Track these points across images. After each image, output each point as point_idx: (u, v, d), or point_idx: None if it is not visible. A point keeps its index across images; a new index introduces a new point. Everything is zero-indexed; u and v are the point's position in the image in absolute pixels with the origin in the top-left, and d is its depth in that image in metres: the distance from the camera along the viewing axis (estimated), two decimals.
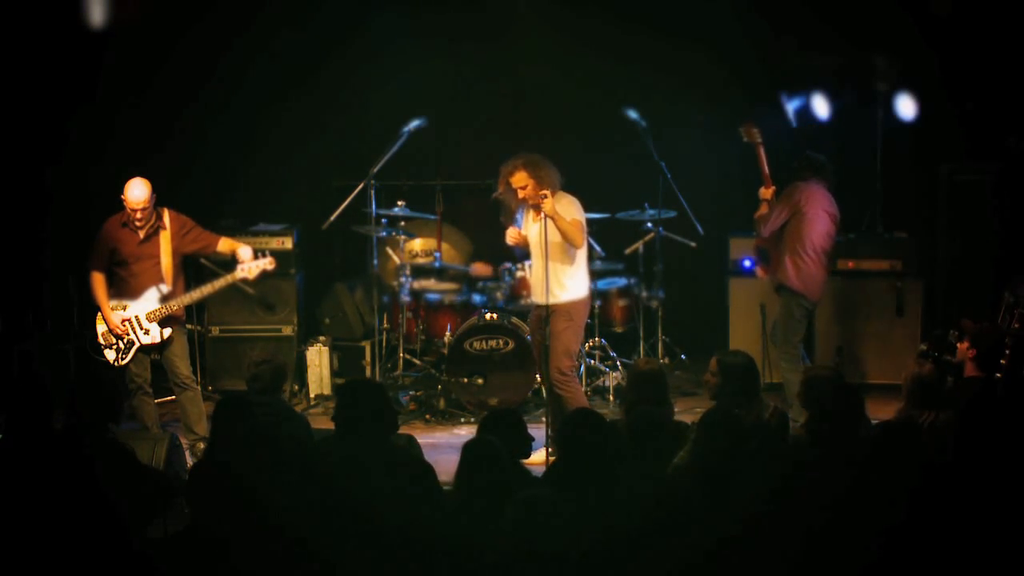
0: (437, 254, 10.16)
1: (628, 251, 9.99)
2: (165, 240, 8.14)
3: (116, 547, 4.97)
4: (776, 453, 5.57)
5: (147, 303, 8.14)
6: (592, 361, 9.88)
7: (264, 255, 8.30)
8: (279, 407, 6.88)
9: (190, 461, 7.52)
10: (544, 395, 8.33)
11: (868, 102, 10.18)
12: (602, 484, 5.11)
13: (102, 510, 5.13)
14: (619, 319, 10.03)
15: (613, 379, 9.67)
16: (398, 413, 6.04)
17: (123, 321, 8.12)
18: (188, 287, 8.37)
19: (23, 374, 8.90)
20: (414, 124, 9.43)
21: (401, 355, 9.90)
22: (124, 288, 8.16)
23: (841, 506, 4.88)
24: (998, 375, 6.66)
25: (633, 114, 9.30)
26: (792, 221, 8.57)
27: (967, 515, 4.78)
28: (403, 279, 9.70)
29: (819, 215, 8.57)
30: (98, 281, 8.15)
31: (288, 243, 10.02)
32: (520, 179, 7.91)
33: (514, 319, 9.40)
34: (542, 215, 7.75)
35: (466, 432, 8.78)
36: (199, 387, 8.62)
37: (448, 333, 9.61)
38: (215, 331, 10.04)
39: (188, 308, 8.93)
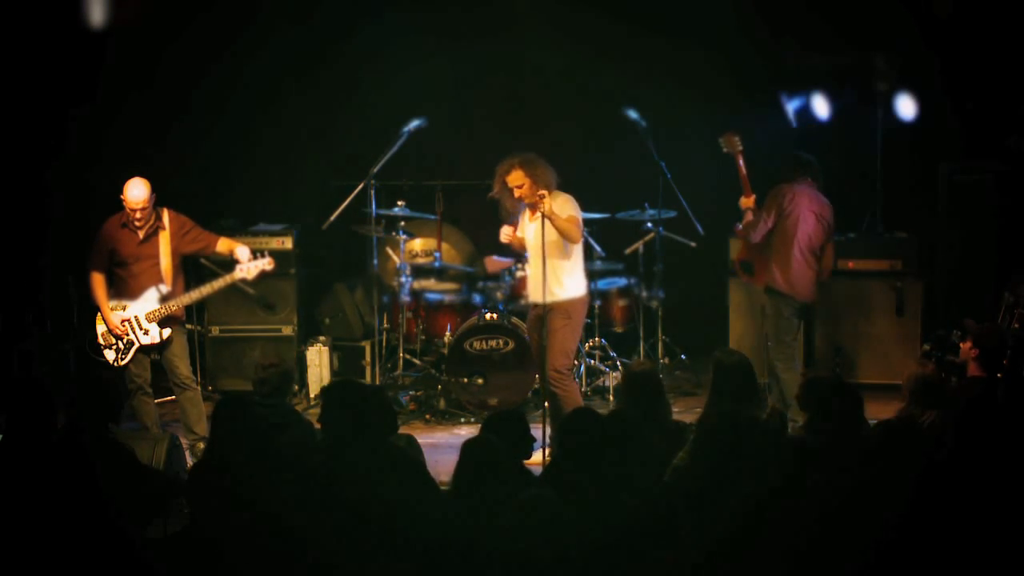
0: (437, 254, 10.16)
1: (628, 251, 9.98)
2: (164, 240, 8.14)
3: (116, 547, 4.97)
4: (775, 453, 5.57)
5: (147, 303, 8.14)
6: (592, 361, 9.88)
7: (263, 255, 8.30)
8: (285, 410, 6.88)
9: (190, 461, 7.51)
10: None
11: (868, 102, 10.18)
12: (599, 484, 5.11)
13: (102, 510, 5.13)
14: (619, 319, 10.03)
15: (613, 379, 9.67)
16: (398, 413, 6.06)
17: (123, 321, 8.12)
18: (188, 287, 8.36)
19: (25, 376, 8.89)
20: (414, 124, 9.43)
21: (401, 355, 9.90)
22: (124, 288, 8.16)
23: (841, 506, 4.88)
24: (999, 375, 6.66)
25: (633, 114, 9.29)
26: (779, 222, 8.58)
27: (967, 515, 4.78)
28: (403, 279, 9.70)
29: (804, 215, 8.58)
30: (98, 281, 8.15)
31: (288, 243, 10.02)
32: (516, 178, 7.91)
33: (514, 319, 9.40)
34: (539, 214, 7.75)
35: (466, 432, 8.78)
36: (199, 387, 8.62)
37: (448, 333, 9.61)
38: (215, 331, 10.04)
39: (188, 308, 8.93)
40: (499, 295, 9.59)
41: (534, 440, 5.86)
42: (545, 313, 7.90)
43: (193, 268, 9.13)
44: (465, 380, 9.21)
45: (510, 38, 10.34)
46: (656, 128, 9.36)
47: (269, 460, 5.45)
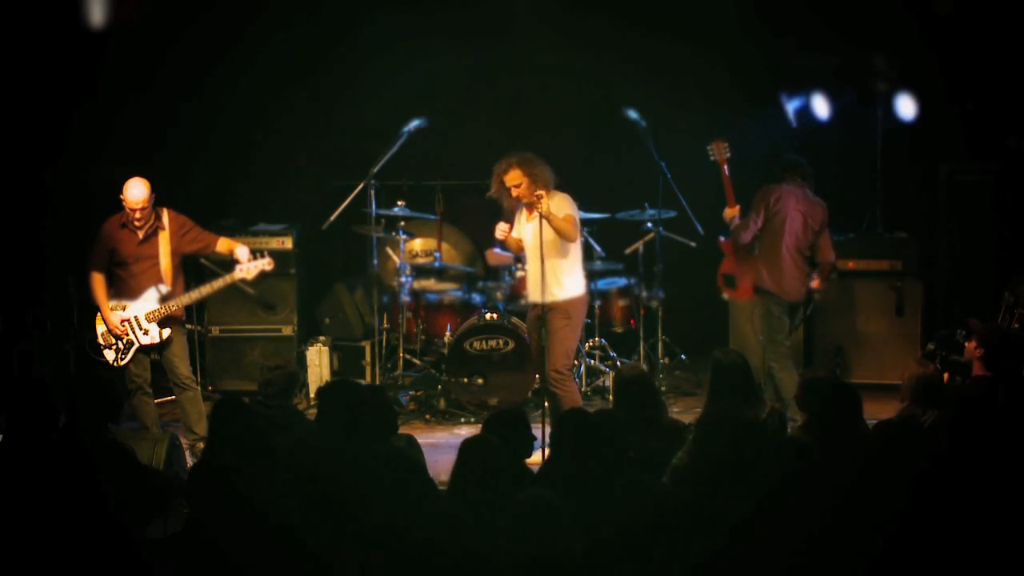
0: (437, 254, 10.16)
1: (628, 251, 9.98)
2: (164, 240, 8.14)
3: (116, 547, 4.97)
4: (775, 453, 5.57)
5: (146, 303, 8.14)
6: (592, 361, 9.88)
7: (263, 255, 8.30)
8: (288, 411, 6.88)
9: (190, 461, 7.51)
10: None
11: (868, 102, 10.18)
12: (595, 484, 5.12)
13: (102, 510, 5.13)
14: (619, 319, 10.03)
15: (612, 379, 9.66)
16: (398, 413, 6.06)
17: (122, 321, 8.12)
18: (188, 287, 8.36)
19: (25, 376, 8.89)
20: (414, 124, 9.43)
21: (401, 355, 9.90)
22: (123, 288, 8.16)
23: (842, 506, 4.88)
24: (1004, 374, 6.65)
25: (633, 114, 9.29)
26: (766, 222, 8.61)
27: (968, 514, 4.78)
28: (403, 279, 9.70)
29: (792, 215, 8.60)
30: (97, 282, 8.15)
31: (288, 243, 10.02)
32: (514, 177, 7.91)
33: (514, 319, 9.40)
34: (536, 214, 7.75)
35: (466, 432, 8.77)
36: (199, 387, 8.62)
37: (448, 333, 9.61)
38: (215, 331, 10.04)
39: (188, 308, 8.93)
40: (499, 295, 9.59)
41: (535, 439, 5.86)
42: (544, 313, 7.89)
43: (193, 268, 9.12)
44: (465, 380, 9.21)
45: (510, 38, 10.33)
46: (656, 128, 9.37)
47: (268, 460, 5.45)
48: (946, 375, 6.99)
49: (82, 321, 8.47)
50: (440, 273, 10.07)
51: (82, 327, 8.43)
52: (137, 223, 8.06)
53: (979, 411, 5.61)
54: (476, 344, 9.20)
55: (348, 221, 9.78)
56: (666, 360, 10.08)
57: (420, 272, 10.05)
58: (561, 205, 7.87)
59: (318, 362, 9.77)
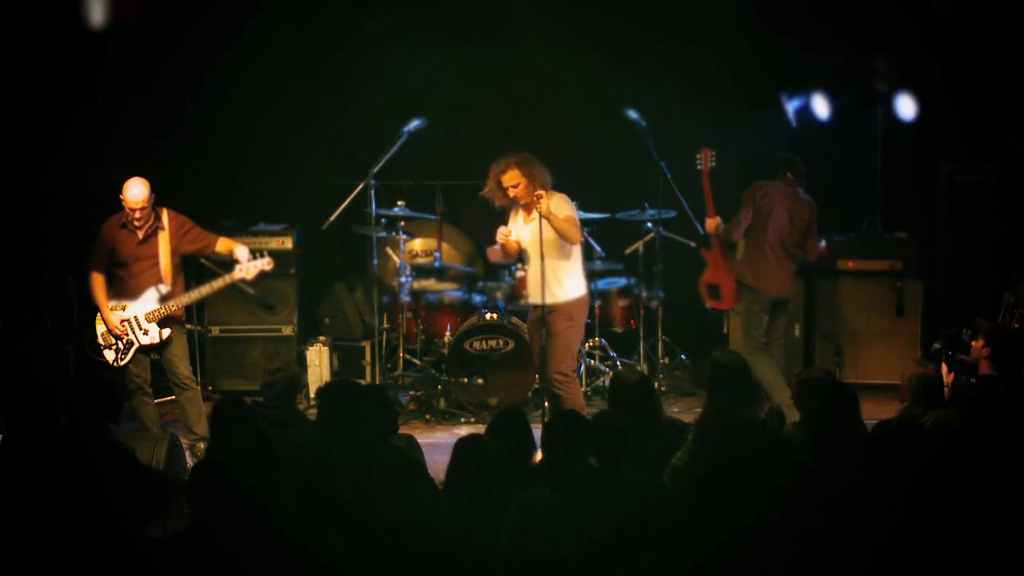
0: (437, 254, 10.16)
1: (628, 251, 9.99)
2: (164, 240, 8.14)
3: (116, 547, 4.97)
4: (774, 453, 5.57)
5: (146, 303, 8.13)
6: (592, 361, 9.88)
7: (262, 255, 8.29)
8: (289, 412, 6.87)
9: (190, 461, 7.51)
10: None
11: (868, 102, 10.18)
12: (594, 484, 5.12)
13: (102, 510, 5.12)
14: (619, 319, 10.03)
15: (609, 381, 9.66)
16: (399, 413, 6.06)
17: (122, 322, 8.12)
18: (188, 287, 8.36)
19: (26, 377, 8.89)
20: (414, 124, 9.43)
21: (401, 355, 9.90)
22: (123, 289, 8.16)
23: (842, 506, 4.88)
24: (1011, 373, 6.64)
25: (633, 114, 9.30)
26: (754, 218, 8.66)
27: (968, 514, 4.78)
28: (403, 279, 9.70)
29: (777, 212, 8.65)
30: (97, 282, 8.15)
31: (288, 243, 10.02)
32: (512, 177, 7.90)
33: (514, 319, 9.40)
34: (535, 215, 7.74)
35: (466, 432, 8.75)
36: (199, 387, 8.61)
37: (448, 333, 9.61)
38: (215, 331, 10.04)
39: (188, 308, 8.93)
40: (499, 295, 9.59)
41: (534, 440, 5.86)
42: (546, 315, 7.88)
43: (193, 268, 9.12)
44: (465, 380, 9.21)
45: (510, 38, 10.33)
46: (656, 128, 9.36)
47: (269, 460, 5.45)
48: (952, 375, 6.98)
49: (82, 321, 8.48)
50: (440, 273, 10.07)
51: (82, 327, 8.44)
52: (137, 223, 8.06)
53: (987, 410, 5.61)
54: (476, 344, 9.20)
55: (348, 221, 9.78)
56: (666, 360, 10.08)
57: (420, 272, 10.05)
58: (560, 206, 7.86)
59: (318, 362, 9.76)
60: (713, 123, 9.89)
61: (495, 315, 9.31)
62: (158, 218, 8.15)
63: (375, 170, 9.47)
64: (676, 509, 4.89)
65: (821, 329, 9.88)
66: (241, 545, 4.55)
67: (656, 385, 8.94)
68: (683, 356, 10.24)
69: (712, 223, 8.86)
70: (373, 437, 5.65)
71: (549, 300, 7.87)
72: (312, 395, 9.69)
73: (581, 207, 8.14)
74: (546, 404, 8.07)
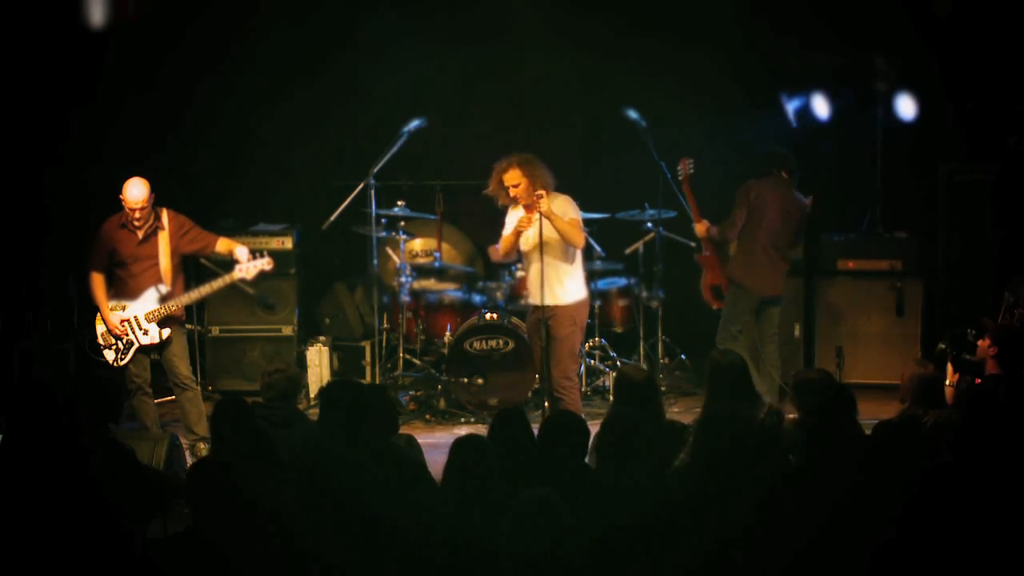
0: (437, 254, 10.16)
1: (628, 251, 9.99)
2: (164, 240, 8.14)
3: (116, 547, 4.97)
4: (774, 453, 5.57)
5: (146, 303, 8.13)
6: (592, 361, 9.88)
7: (262, 255, 8.29)
8: (291, 412, 6.86)
9: (190, 461, 7.50)
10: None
11: (868, 102, 10.18)
12: (593, 484, 5.13)
13: (102, 510, 5.12)
14: (619, 319, 10.03)
15: (612, 379, 9.66)
16: (399, 413, 6.06)
17: (122, 322, 8.12)
18: (188, 287, 8.36)
19: (26, 377, 8.88)
20: (414, 124, 9.43)
21: (401, 355, 9.89)
22: (123, 289, 8.16)
23: (842, 506, 4.88)
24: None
25: (633, 114, 9.30)
26: (746, 219, 8.69)
27: (968, 515, 4.78)
28: (403, 279, 9.70)
29: (768, 211, 8.67)
30: (97, 282, 8.15)
31: (288, 243, 10.02)
32: (513, 177, 7.90)
33: (514, 319, 9.40)
34: (535, 215, 7.73)
35: (466, 432, 8.76)
36: (199, 387, 8.62)
37: (448, 333, 9.61)
38: (215, 331, 10.04)
39: (188, 308, 8.93)
40: (499, 295, 9.59)
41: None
42: (547, 317, 7.88)
43: (193, 268, 9.12)
44: (465, 380, 9.21)
45: (510, 38, 10.33)
46: (656, 128, 9.36)
47: (269, 460, 5.45)
48: (957, 375, 6.98)
49: (82, 321, 8.47)
50: (440, 273, 10.07)
51: (82, 327, 8.43)
52: (136, 223, 8.06)
53: (988, 409, 5.60)
54: (476, 344, 9.20)
55: (348, 221, 9.78)
56: (666, 360, 10.08)
57: (420, 272, 10.05)
58: (565, 208, 7.87)
59: (318, 362, 9.76)
60: (713, 123, 9.89)
61: (495, 315, 9.31)
62: (158, 218, 8.15)
63: (375, 170, 9.47)
64: (676, 509, 4.89)
65: (821, 329, 9.88)
66: (241, 545, 4.55)
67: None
68: (683, 356, 10.24)
69: (701, 227, 8.91)
70: (373, 437, 5.65)
71: (549, 301, 7.87)
72: (312, 395, 9.70)
73: (581, 207, 8.13)
74: (546, 404, 8.06)
